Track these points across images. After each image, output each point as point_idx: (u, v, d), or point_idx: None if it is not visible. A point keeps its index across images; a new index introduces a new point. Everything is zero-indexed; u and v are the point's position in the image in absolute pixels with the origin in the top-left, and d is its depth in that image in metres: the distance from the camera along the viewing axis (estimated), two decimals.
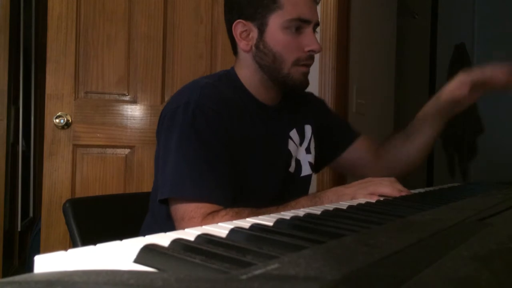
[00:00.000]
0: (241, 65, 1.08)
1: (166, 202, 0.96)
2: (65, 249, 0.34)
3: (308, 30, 1.02)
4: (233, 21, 1.04)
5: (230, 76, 1.08)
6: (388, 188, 0.86)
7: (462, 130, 3.55)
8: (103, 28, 1.78)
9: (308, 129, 1.19)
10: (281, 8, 1.00)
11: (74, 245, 1.11)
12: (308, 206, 0.89)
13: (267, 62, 1.03)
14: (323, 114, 1.27)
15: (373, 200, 0.80)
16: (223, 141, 0.96)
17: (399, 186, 0.87)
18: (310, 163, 1.17)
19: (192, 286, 0.22)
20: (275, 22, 1.00)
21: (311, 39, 1.02)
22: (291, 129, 1.13)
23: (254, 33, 1.03)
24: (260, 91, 1.08)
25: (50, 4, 1.74)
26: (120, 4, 1.80)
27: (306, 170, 1.15)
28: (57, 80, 1.74)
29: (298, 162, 1.14)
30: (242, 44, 1.04)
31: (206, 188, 0.91)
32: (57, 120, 1.73)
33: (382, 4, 2.53)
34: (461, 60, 3.55)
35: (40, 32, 2.78)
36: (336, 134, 1.25)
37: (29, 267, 2.44)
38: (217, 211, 0.90)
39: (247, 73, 1.07)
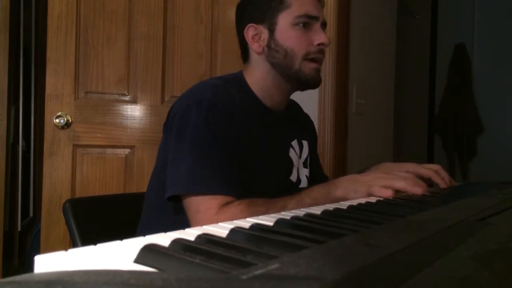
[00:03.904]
0: (252, 69, 1.10)
1: (173, 199, 0.96)
2: (65, 249, 0.34)
3: (316, 26, 1.06)
4: (244, 27, 1.08)
5: (237, 80, 1.10)
6: (403, 183, 0.83)
7: (462, 130, 3.55)
8: (103, 28, 1.78)
9: (305, 144, 1.21)
10: (288, 7, 1.04)
11: (74, 245, 1.11)
12: (322, 193, 0.89)
13: (279, 60, 1.06)
14: (314, 142, 1.31)
15: (387, 196, 0.79)
16: (233, 139, 0.98)
17: (414, 181, 0.84)
18: (307, 176, 1.18)
19: (192, 286, 0.22)
20: (284, 20, 1.05)
21: (319, 33, 1.06)
22: (293, 139, 1.15)
23: (265, 34, 1.07)
24: (268, 95, 1.10)
25: (50, 4, 1.74)
26: (120, 4, 1.80)
27: (304, 183, 1.17)
28: (57, 80, 1.74)
29: (298, 172, 1.15)
30: (254, 47, 1.08)
31: (221, 180, 0.93)
32: (57, 120, 1.73)
33: (382, 4, 2.53)
34: (461, 60, 3.55)
35: (40, 32, 2.78)
36: (314, 169, 1.26)
37: (29, 267, 2.44)
38: (231, 202, 0.92)
39: (259, 76, 1.09)
